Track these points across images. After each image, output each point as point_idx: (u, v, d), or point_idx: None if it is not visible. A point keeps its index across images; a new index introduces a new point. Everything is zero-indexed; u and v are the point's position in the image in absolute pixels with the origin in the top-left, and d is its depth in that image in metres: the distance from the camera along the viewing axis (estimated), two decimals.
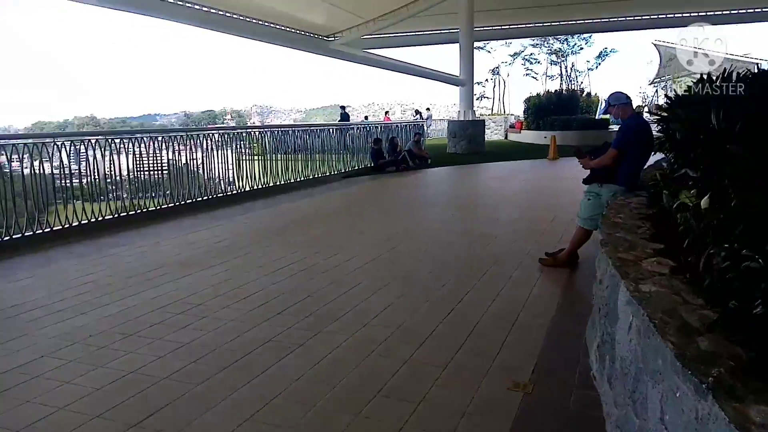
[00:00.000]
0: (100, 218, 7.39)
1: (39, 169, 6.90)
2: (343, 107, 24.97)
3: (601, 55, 32.50)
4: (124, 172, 8.16)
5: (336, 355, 3.28)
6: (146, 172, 8.62)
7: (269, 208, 9.01)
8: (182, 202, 8.80)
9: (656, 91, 48.85)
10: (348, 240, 6.36)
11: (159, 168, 8.66)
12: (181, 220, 8.08)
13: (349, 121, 22.73)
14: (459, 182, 12.66)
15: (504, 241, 6.14)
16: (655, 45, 46.31)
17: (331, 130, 13.64)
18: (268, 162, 11.11)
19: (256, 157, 11.04)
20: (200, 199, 9.17)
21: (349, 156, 14.09)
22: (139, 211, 8.05)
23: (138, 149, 8.29)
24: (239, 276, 4.94)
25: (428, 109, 34.93)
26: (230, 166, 10.30)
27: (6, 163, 6.86)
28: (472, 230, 6.85)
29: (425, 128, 22.30)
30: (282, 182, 11.32)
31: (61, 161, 7.18)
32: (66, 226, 6.94)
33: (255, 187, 10.58)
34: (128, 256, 5.84)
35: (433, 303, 4.18)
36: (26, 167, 6.94)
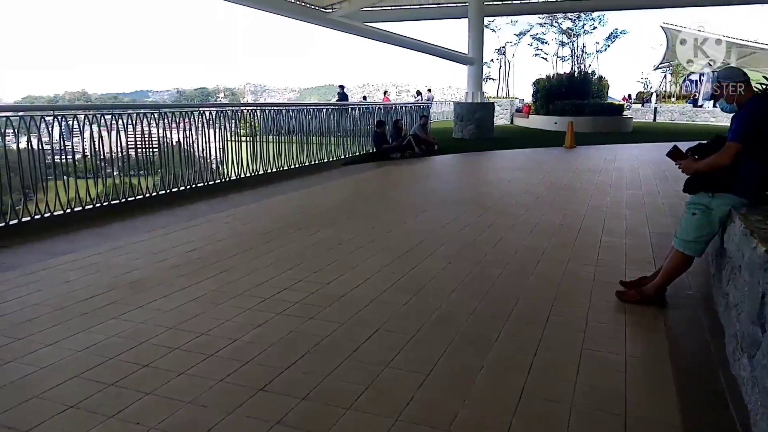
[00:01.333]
0: (47, 214, 5.99)
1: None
2: (341, 86, 23.38)
3: (611, 37, 30.95)
4: (78, 155, 6.72)
5: None
6: (105, 157, 7.19)
7: (258, 203, 7.60)
8: (154, 194, 7.39)
9: (665, 76, 47.31)
10: (355, 253, 4.98)
11: (119, 151, 7.21)
12: (151, 216, 6.68)
13: (347, 101, 21.22)
14: (475, 173, 11.26)
15: (556, 261, 4.78)
16: (663, 28, 44.72)
17: (329, 110, 12.18)
18: (258, 146, 9.67)
19: (244, 138, 9.58)
20: (177, 189, 7.76)
21: (349, 140, 12.67)
22: (99, 205, 6.64)
23: (96, 129, 6.84)
24: (207, 314, 3.56)
25: (429, 90, 33.35)
26: (214, 152, 8.89)
27: None
28: (510, 241, 5.48)
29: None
30: (274, 170, 9.91)
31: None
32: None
33: (242, 176, 9.16)
34: (70, 272, 4.45)
35: (490, 371, 2.82)
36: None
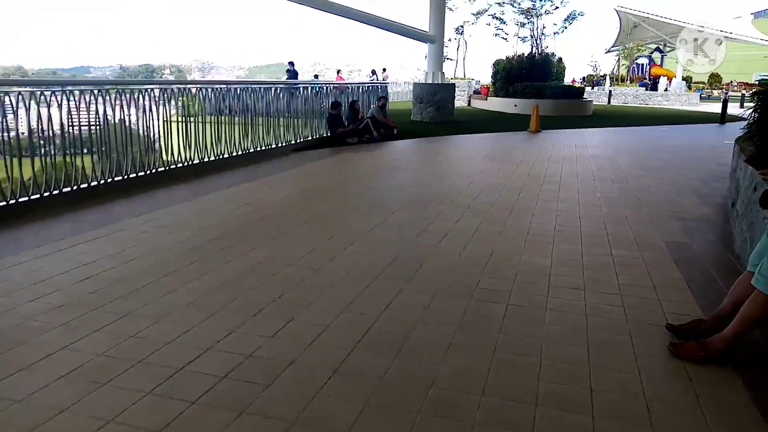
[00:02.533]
0: None
1: None
2: (291, 63, 21.74)
3: (569, 18, 30.25)
4: None
5: None
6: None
7: (188, 202, 6.26)
8: (56, 192, 5.94)
9: (617, 59, 47.29)
10: (308, 280, 3.79)
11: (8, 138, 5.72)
12: (50, 223, 5.29)
13: (297, 79, 19.74)
14: (442, 162, 10.12)
15: (569, 288, 3.72)
16: (617, 11, 44.65)
17: (277, 89, 10.79)
18: (195, 130, 8.24)
19: (175, 120, 8.13)
20: (88, 184, 6.33)
21: (301, 123, 11.33)
22: None
23: None
24: (81, 407, 2.31)
25: (384, 69, 31.96)
26: (141, 136, 7.43)
27: None
28: (504, 257, 4.40)
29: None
30: (214, 158, 8.53)
31: None
32: None
33: (175, 166, 7.77)
34: None
35: None
36: None
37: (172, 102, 8.11)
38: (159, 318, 3.12)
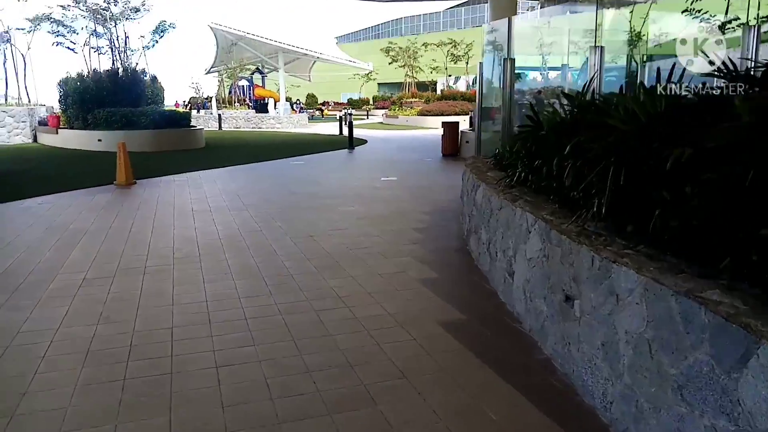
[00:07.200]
0: None
1: None
2: None
3: (159, 30, 25.18)
4: None
5: None
6: None
7: None
8: None
9: (221, 80, 44.31)
10: None
11: None
12: None
13: None
14: None
15: None
16: (211, 27, 41.49)
17: None
18: None
19: None
20: None
21: None
22: None
23: None
24: None
25: None
26: None
27: None
28: None
29: None
30: None
31: None
32: None
33: None
34: None
35: None
36: None
37: None
38: None
